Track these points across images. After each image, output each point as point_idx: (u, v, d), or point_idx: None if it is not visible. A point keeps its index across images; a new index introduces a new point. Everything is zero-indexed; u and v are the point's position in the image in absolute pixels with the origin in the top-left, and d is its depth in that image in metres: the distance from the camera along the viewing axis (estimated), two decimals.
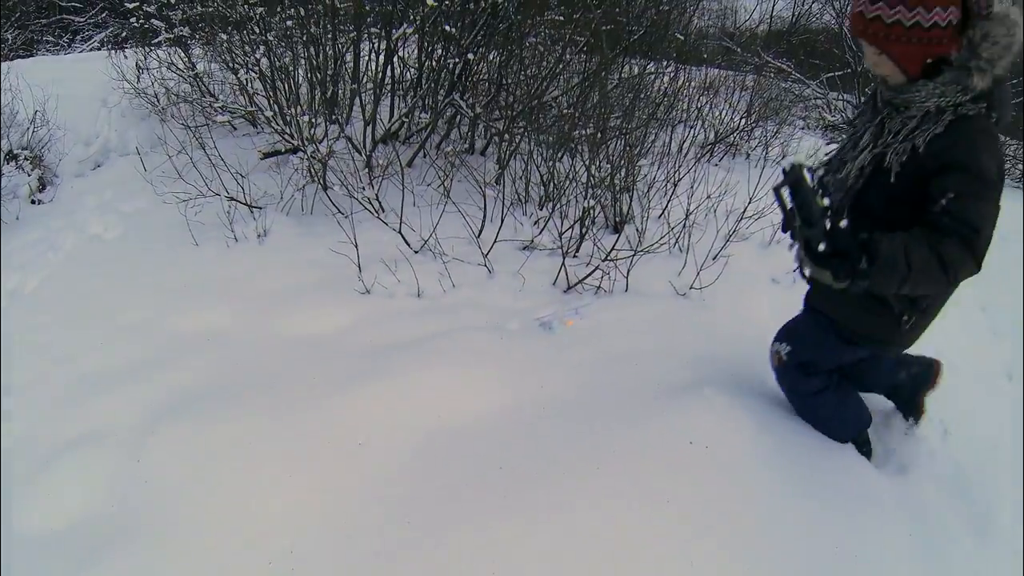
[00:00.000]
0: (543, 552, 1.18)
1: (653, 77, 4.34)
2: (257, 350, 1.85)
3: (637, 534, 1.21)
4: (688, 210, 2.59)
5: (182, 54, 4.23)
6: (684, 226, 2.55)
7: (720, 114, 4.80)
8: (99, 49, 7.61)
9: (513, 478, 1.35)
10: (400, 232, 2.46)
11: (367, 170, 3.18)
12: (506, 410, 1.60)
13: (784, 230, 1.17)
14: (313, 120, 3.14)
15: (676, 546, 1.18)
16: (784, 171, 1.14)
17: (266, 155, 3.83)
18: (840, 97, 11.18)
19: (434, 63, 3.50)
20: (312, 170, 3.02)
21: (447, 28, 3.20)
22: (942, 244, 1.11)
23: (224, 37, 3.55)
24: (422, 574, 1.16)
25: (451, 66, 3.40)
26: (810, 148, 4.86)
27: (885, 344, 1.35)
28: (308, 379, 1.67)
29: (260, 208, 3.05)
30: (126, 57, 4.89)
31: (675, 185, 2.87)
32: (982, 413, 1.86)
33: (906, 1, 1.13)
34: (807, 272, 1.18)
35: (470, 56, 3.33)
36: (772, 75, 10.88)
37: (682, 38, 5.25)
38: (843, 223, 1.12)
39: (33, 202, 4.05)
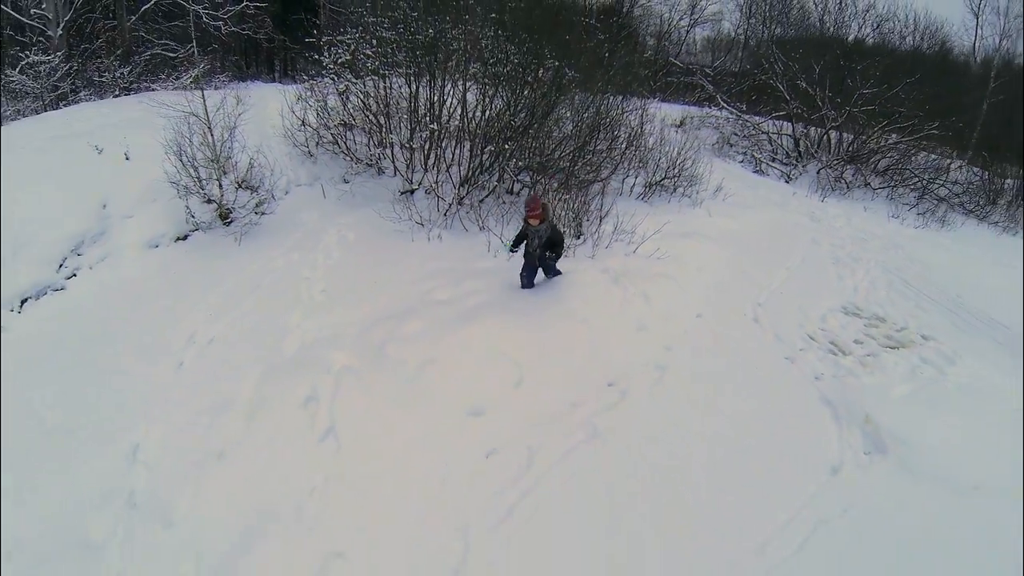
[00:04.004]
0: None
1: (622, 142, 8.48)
2: (468, 275, 5.60)
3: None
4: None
5: (349, 136, 7.70)
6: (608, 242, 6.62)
7: (658, 160, 8.82)
8: (193, 87, 9.94)
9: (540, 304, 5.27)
10: (500, 238, 6.31)
11: (462, 206, 6.96)
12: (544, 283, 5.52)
13: (512, 249, 5.53)
14: (434, 183, 6.87)
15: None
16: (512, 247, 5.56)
17: (402, 193, 7.47)
18: (779, 132, 15.20)
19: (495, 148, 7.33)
20: (447, 212, 6.79)
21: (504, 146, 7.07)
22: (558, 247, 5.44)
23: (392, 138, 7.13)
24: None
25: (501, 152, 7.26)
26: (713, 188, 9.04)
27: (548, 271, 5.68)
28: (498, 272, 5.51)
29: (422, 225, 6.70)
30: (301, 120, 8.06)
31: (601, 219, 6.87)
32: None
33: (529, 212, 5.32)
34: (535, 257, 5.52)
35: (520, 163, 7.25)
36: (729, 115, 15.10)
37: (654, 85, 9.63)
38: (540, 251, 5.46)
39: (257, 214, 7.28)
